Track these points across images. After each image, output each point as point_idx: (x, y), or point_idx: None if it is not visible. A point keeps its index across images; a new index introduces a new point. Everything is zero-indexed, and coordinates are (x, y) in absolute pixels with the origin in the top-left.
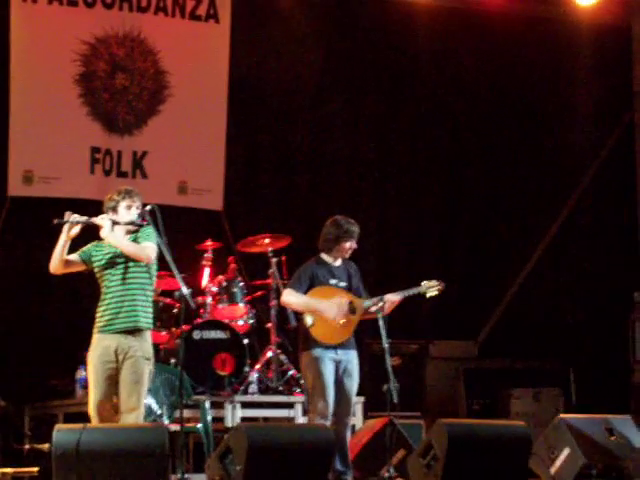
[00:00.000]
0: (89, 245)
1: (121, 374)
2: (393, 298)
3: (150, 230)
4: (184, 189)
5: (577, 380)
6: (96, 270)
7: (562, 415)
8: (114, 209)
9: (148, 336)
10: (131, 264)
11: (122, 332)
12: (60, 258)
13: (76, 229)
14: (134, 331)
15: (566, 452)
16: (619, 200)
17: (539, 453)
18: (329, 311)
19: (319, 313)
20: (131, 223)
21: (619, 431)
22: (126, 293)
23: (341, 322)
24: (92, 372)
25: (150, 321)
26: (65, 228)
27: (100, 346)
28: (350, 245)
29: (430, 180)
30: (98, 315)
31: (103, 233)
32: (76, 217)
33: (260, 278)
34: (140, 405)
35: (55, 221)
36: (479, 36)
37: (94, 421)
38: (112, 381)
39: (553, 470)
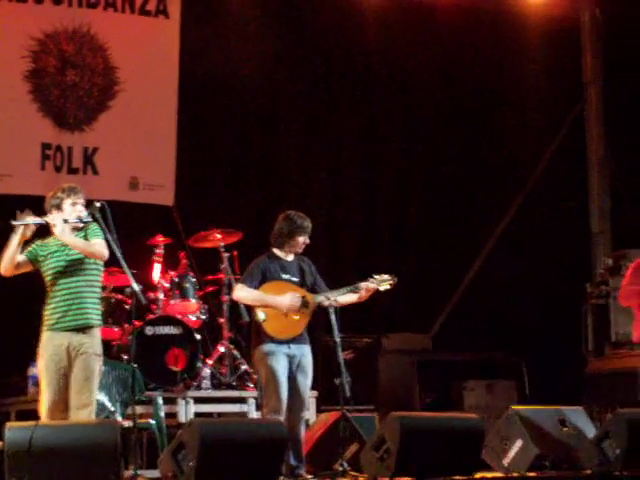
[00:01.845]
0: (34, 244)
1: (72, 371)
2: (369, 285)
3: (97, 227)
4: (135, 185)
5: (530, 372)
6: (44, 269)
7: (515, 407)
8: (58, 207)
9: (98, 333)
10: (79, 262)
11: (72, 330)
12: (12, 260)
13: (30, 230)
14: (85, 328)
15: (519, 443)
16: (570, 192)
17: (492, 445)
18: (281, 306)
19: (271, 308)
20: (80, 220)
21: (572, 422)
22: (75, 291)
23: (295, 317)
24: (44, 372)
25: (99, 317)
26: (19, 230)
27: (51, 345)
28: (303, 240)
29: (381, 174)
30: (47, 313)
31: (57, 231)
32: (31, 218)
33: (212, 273)
34: (92, 402)
35: (12, 222)
36: (429, 29)
37: (46, 419)
38: (64, 379)
39: (506, 461)
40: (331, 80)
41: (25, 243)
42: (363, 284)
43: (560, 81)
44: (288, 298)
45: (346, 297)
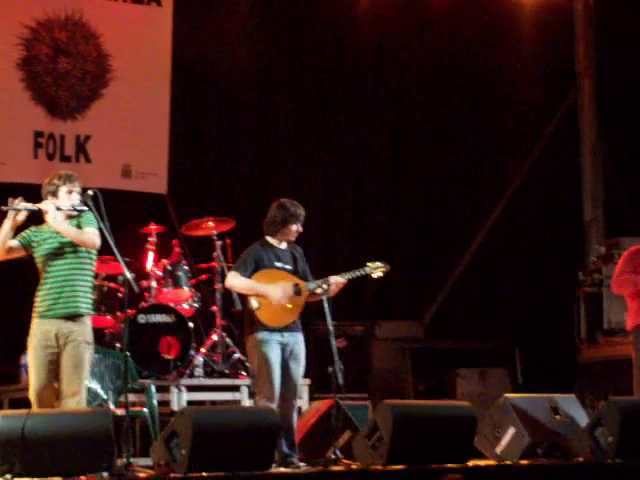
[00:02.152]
0: (28, 230)
1: (62, 359)
2: (338, 280)
3: (91, 215)
4: (128, 173)
5: (523, 360)
6: (36, 255)
7: (507, 395)
8: (54, 194)
9: (88, 321)
10: (72, 249)
11: (62, 317)
12: (3, 245)
13: (22, 216)
14: (75, 316)
15: (511, 432)
16: (564, 179)
17: (484, 433)
18: (274, 294)
19: (264, 296)
20: (73, 209)
21: (564, 410)
22: (66, 278)
23: (288, 305)
24: (33, 358)
25: (90, 306)
26: (10, 215)
27: (40, 331)
28: (296, 228)
29: (374, 162)
30: (38, 300)
31: (49, 218)
32: (22, 204)
33: (205, 261)
34: (81, 390)
35: (2, 208)
36: (422, 18)
37: (35, 407)
38: (53, 366)
39: (499, 449)
40: (324, 67)
41: (20, 229)
42: (332, 278)
43: (553, 69)
44: (280, 289)
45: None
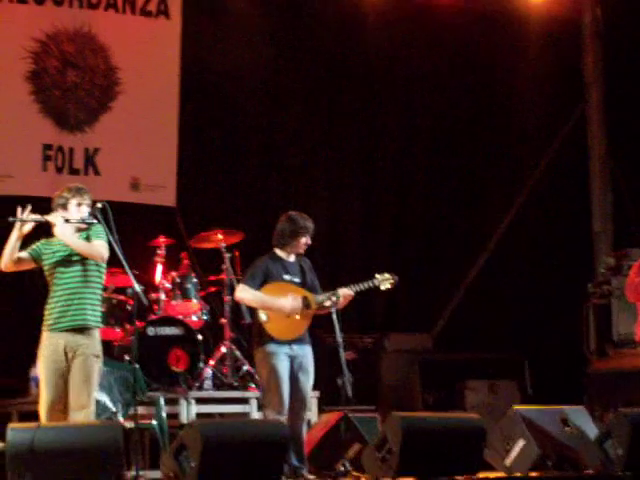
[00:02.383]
0: (38, 242)
1: (71, 372)
2: (347, 292)
3: (100, 228)
4: (137, 185)
5: (532, 372)
6: (46, 268)
7: (517, 407)
8: (64, 206)
9: (97, 334)
10: (80, 262)
11: (70, 330)
12: (11, 256)
13: (28, 227)
14: (82, 329)
15: (521, 443)
16: (572, 191)
17: (494, 445)
18: (283, 307)
19: (274, 309)
20: (82, 221)
21: (573, 422)
22: (75, 291)
23: (297, 315)
24: (43, 371)
25: (99, 319)
26: (17, 226)
27: (49, 345)
28: (305, 241)
29: (382, 173)
30: (47, 313)
31: (56, 231)
32: (29, 215)
33: (214, 274)
34: (90, 403)
35: (9, 219)
36: (429, 30)
37: (45, 420)
38: (63, 380)
39: (508, 461)
40: (332, 80)
41: (31, 241)
42: (341, 291)
43: (562, 81)
44: (290, 302)
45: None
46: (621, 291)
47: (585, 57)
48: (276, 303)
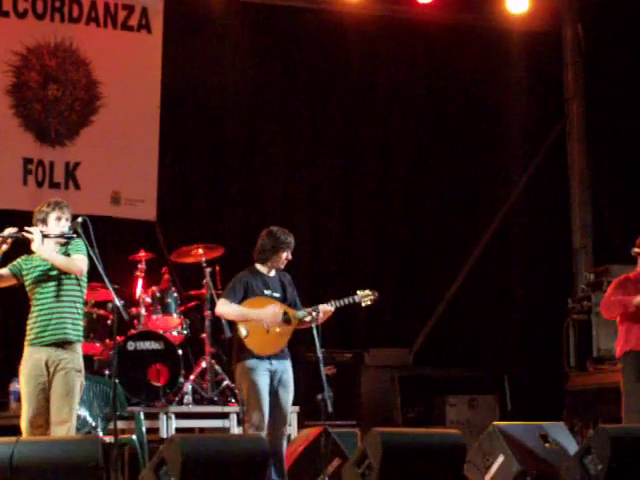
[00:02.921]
0: (19, 259)
1: (52, 387)
2: (327, 308)
3: (80, 242)
4: (117, 199)
5: (512, 387)
6: (27, 283)
7: (496, 422)
8: (44, 221)
9: (79, 348)
10: (61, 277)
11: (52, 345)
12: None
13: (5, 246)
14: (64, 343)
15: (500, 459)
16: (553, 207)
17: (474, 460)
18: (263, 320)
19: (254, 322)
20: (61, 236)
21: (553, 438)
22: (55, 306)
23: (277, 330)
24: (24, 386)
25: (80, 333)
26: None
27: (31, 359)
28: (286, 256)
29: (362, 189)
30: (28, 328)
31: (34, 246)
32: (6, 231)
33: (194, 288)
34: (71, 417)
35: None
36: (411, 45)
37: (26, 434)
38: (44, 395)
39: (488, 477)
40: (313, 94)
41: (11, 257)
42: (321, 306)
43: (542, 96)
44: (270, 310)
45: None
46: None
47: (566, 72)
48: (256, 314)
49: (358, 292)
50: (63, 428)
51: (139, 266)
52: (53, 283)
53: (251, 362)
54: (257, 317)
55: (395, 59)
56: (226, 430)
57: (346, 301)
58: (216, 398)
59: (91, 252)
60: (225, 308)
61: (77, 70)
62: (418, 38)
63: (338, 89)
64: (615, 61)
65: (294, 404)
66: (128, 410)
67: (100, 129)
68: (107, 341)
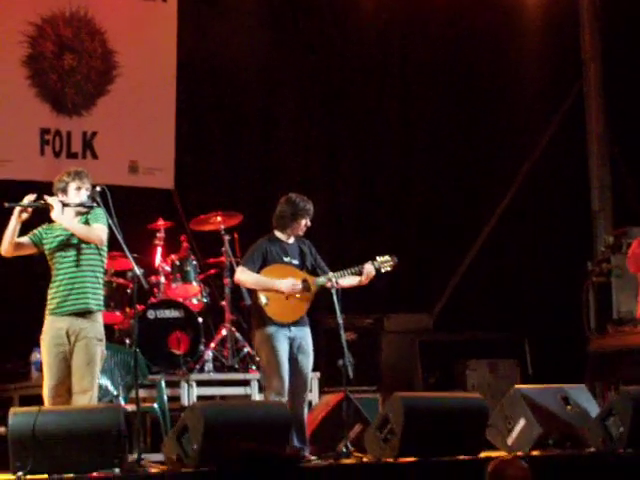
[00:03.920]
0: (40, 227)
1: (73, 356)
2: (371, 269)
3: (100, 211)
4: (135, 168)
5: (532, 351)
6: (47, 252)
7: (517, 386)
8: (64, 190)
9: (99, 317)
10: (82, 246)
11: (73, 314)
12: (10, 241)
13: (27, 212)
14: (85, 313)
15: (522, 422)
16: (572, 169)
17: (496, 424)
18: (284, 287)
19: (274, 290)
20: (81, 205)
21: (574, 400)
22: (76, 275)
23: (297, 297)
24: (45, 355)
25: (101, 303)
26: (15, 211)
27: (52, 328)
28: (305, 223)
29: (381, 156)
30: (49, 297)
31: (54, 215)
32: (25, 199)
33: (213, 256)
34: (93, 386)
35: (6, 205)
36: (426, 11)
37: (48, 403)
38: (66, 364)
39: (510, 440)
40: (330, 62)
41: (32, 226)
42: (366, 267)
43: (560, 58)
44: (289, 283)
45: (347, 280)
46: (621, 269)
47: (583, 34)
48: (276, 284)
49: (377, 258)
50: (85, 397)
51: (158, 235)
52: (73, 252)
53: (270, 329)
54: (276, 286)
55: (409, 27)
56: (247, 397)
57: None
58: (237, 365)
59: (110, 221)
60: (244, 276)
61: (93, 40)
62: (434, 4)
63: (354, 58)
64: (632, 21)
65: (314, 370)
66: (149, 378)
67: (117, 98)
68: (127, 310)
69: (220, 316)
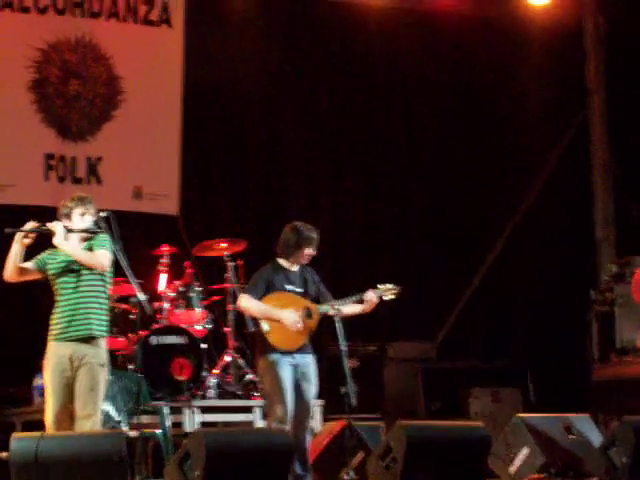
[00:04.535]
0: (44, 253)
1: (76, 381)
2: (373, 297)
3: (104, 237)
4: (139, 194)
5: (535, 379)
6: (50, 278)
7: (520, 414)
8: (68, 216)
9: (103, 343)
10: (85, 272)
11: (76, 340)
12: (14, 266)
13: (29, 238)
14: (88, 339)
15: (525, 451)
16: (575, 198)
17: (498, 453)
18: (287, 320)
19: (277, 320)
20: (85, 231)
21: (578, 430)
22: (79, 301)
23: (299, 326)
24: (49, 381)
25: (104, 329)
26: (17, 237)
27: (55, 355)
28: (309, 252)
29: (386, 183)
30: (52, 323)
31: (56, 240)
32: (28, 225)
33: (217, 282)
34: (96, 412)
35: (7, 230)
36: (432, 36)
37: (51, 429)
38: (69, 390)
39: (512, 469)
40: (334, 87)
41: (36, 252)
42: (368, 295)
43: (564, 87)
44: (292, 320)
45: (350, 308)
46: (624, 299)
47: (587, 64)
48: (280, 315)
49: (380, 286)
50: (88, 423)
51: (162, 260)
52: (76, 278)
53: (274, 356)
54: (280, 317)
55: (417, 51)
56: (250, 424)
57: (355, 298)
58: (240, 392)
59: (115, 247)
60: (247, 303)
61: (98, 65)
62: (438, 30)
63: (359, 81)
64: (637, 52)
65: (318, 398)
66: (152, 404)
67: (122, 124)
68: (130, 335)
69: (223, 342)
